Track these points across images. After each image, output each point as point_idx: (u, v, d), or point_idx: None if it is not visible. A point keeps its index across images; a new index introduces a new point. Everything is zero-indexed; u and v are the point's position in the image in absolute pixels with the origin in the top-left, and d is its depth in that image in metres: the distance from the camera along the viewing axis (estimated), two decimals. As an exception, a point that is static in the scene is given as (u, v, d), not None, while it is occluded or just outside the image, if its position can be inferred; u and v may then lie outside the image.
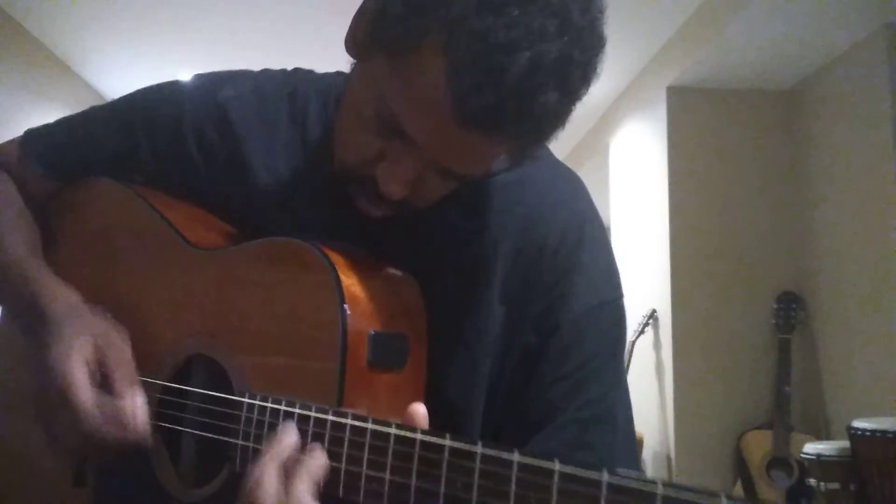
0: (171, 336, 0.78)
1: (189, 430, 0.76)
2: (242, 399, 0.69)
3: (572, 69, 0.60)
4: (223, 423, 0.71)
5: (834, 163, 3.24)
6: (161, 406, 0.77)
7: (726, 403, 3.42)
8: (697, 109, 3.60)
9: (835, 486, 2.54)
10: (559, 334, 0.74)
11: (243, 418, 0.69)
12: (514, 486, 0.49)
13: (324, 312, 0.66)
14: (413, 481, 0.55)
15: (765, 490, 3.12)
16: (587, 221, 0.78)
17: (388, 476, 0.57)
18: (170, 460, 0.76)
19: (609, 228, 4.53)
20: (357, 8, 0.68)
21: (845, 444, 2.51)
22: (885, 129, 2.89)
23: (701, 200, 3.55)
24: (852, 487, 2.50)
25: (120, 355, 0.73)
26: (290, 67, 0.87)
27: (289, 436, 0.62)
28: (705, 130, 3.60)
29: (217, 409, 0.73)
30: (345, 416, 0.61)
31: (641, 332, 3.68)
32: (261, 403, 0.67)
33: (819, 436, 3.12)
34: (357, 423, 0.59)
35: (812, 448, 2.65)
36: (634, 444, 0.77)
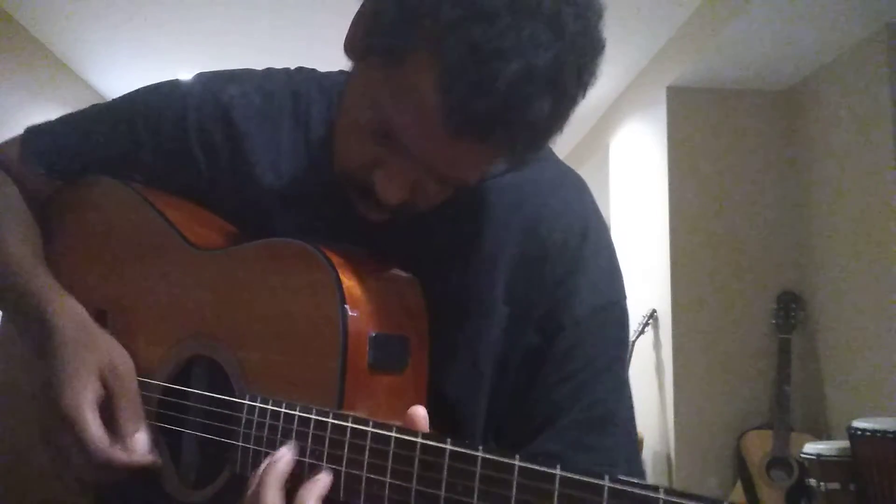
0: (171, 337, 0.78)
1: (190, 431, 0.76)
2: (243, 401, 0.69)
3: (566, 76, 0.59)
4: (224, 425, 0.71)
5: (834, 163, 3.23)
6: (161, 407, 0.77)
7: (726, 403, 3.42)
8: (697, 109, 3.60)
9: (835, 486, 2.55)
10: (563, 336, 0.73)
11: (244, 420, 0.68)
12: (514, 492, 0.49)
13: (324, 313, 0.66)
14: (413, 485, 0.55)
15: (765, 490, 3.12)
16: (591, 222, 0.78)
17: (388, 479, 0.56)
18: (171, 461, 0.76)
19: (609, 228, 4.52)
20: (356, 9, 0.68)
21: (845, 444, 2.51)
22: (885, 129, 2.89)
23: (701, 200, 3.55)
24: (852, 487, 2.50)
25: (125, 389, 0.74)
26: (292, 66, 0.87)
27: (286, 455, 0.62)
28: (705, 130, 3.60)
29: (217, 410, 0.73)
30: (345, 418, 0.61)
31: (641, 332, 3.68)
32: (261, 405, 0.67)
33: (819, 436, 3.12)
34: (358, 426, 0.59)
35: (812, 448, 2.65)
36: (637, 447, 0.77)
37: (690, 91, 3.60)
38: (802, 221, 3.44)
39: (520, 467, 0.49)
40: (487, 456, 0.51)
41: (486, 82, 0.57)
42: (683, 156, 3.58)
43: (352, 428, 0.60)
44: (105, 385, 0.73)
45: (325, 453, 0.61)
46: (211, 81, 0.84)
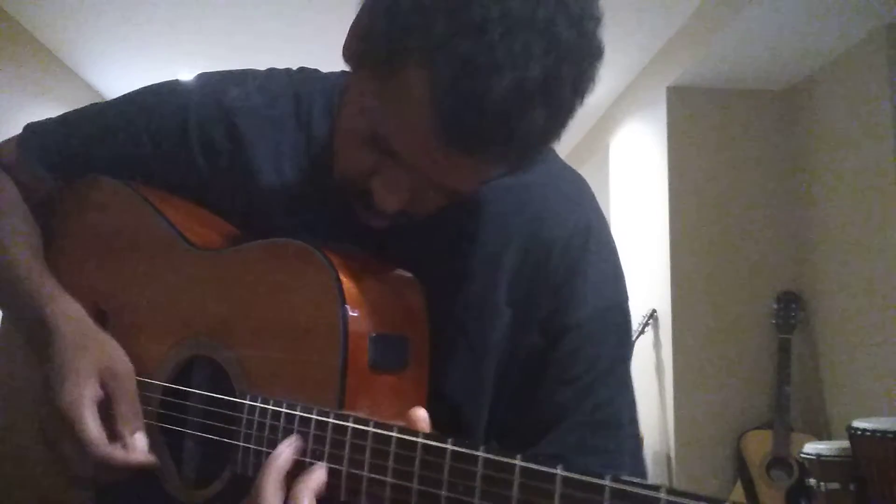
0: (171, 336, 0.78)
1: (191, 431, 0.76)
2: (244, 401, 0.69)
3: (560, 87, 0.59)
4: (225, 425, 0.71)
5: (834, 163, 3.23)
6: (162, 407, 0.77)
7: (726, 403, 3.42)
8: (697, 109, 3.60)
9: (835, 486, 2.54)
10: (566, 338, 0.73)
11: (244, 420, 0.68)
12: (516, 491, 0.49)
13: (325, 314, 0.66)
14: (415, 485, 0.55)
15: (765, 490, 3.12)
16: (593, 223, 0.78)
17: (389, 479, 0.56)
18: (171, 461, 0.76)
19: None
20: (355, 10, 0.68)
21: (845, 444, 2.51)
22: (885, 129, 2.89)
23: (701, 200, 3.55)
24: (852, 487, 2.50)
25: (124, 390, 0.74)
26: (294, 67, 0.87)
27: (288, 449, 0.62)
28: (705, 130, 3.60)
29: (218, 410, 0.73)
30: (346, 418, 0.61)
31: (641, 332, 3.68)
32: (262, 405, 0.67)
33: (819, 436, 3.12)
34: (359, 427, 0.59)
35: (812, 448, 2.65)
36: (641, 448, 0.77)
37: (690, 91, 3.60)
38: (802, 221, 3.44)
39: (521, 467, 0.49)
40: (489, 456, 0.51)
41: (478, 97, 0.57)
42: (683, 156, 3.58)
43: (353, 428, 0.60)
44: (103, 386, 0.73)
45: (327, 453, 0.61)
46: (212, 82, 0.84)
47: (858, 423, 2.43)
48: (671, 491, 0.42)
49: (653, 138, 3.80)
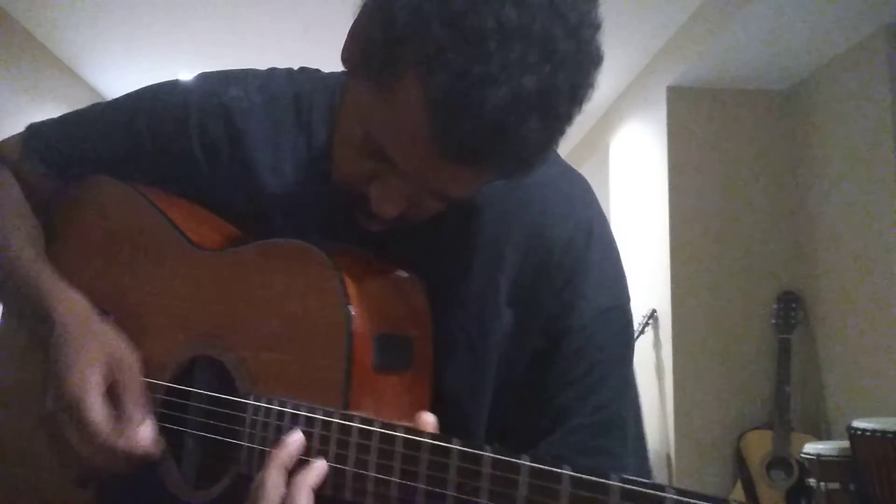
0: (173, 337, 0.78)
1: (193, 431, 0.75)
2: (248, 401, 0.69)
3: (556, 97, 0.58)
4: (228, 425, 0.71)
5: (834, 163, 3.24)
6: (165, 407, 0.77)
7: (726, 403, 3.42)
8: (697, 109, 3.60)
9: (835, 486, 2.55)
10: (568, 338, 0.73)
11: (248, 420, 0.68)
12: (523, 491, 0.49)
13: (328, 314, 0.66)
14: (421, 485, 0.55)
15: (765, 490, 3.12)
16: (595, 224, 0.78)
17: (395, 479, 0.56)
18: (174, 461, 0.76)
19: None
20: (355, 11, 0.68)
21: (845, 444, 2.51)
22: (885, 129, 2.89)
23: (701, 200, 3.55)
24: (852, 487, 2.50)
25: (131, 379, 0.74)
26: (294, 67, 0.87)
27: (294, 441, 0.62)
28: (705, 130, 3.60)
29: (222, 410, 0.72)
30: (351, 418, 0.60)
31: (641, 332, 3.68)
32: (266, 405, 0.67)
33: (819, 436, 3.12)
34: (364, 427, 0.59)
35: (812, 448, 2.65)
36: (646, 448, 0.77)
37: (690, 91, 3.60)
38: (802, 221, 3.44)
39: (529, 467, 0.49)
40: (495, 456, 0.51)
41: (473, 108, 0.56)
42: (683, 156, 3.58)
43: (358, 428, 0.59)
44: (110, 374, 0.73)
45: (332, 453, 0.61)
46: (213, 82, 0.84)
47: (858, 423, 2.43)
48: (679, 491, 0.42)
49: (653, 138, 3.80)
